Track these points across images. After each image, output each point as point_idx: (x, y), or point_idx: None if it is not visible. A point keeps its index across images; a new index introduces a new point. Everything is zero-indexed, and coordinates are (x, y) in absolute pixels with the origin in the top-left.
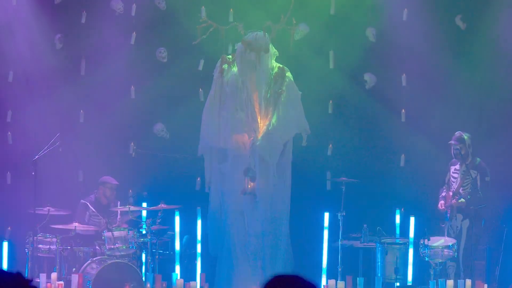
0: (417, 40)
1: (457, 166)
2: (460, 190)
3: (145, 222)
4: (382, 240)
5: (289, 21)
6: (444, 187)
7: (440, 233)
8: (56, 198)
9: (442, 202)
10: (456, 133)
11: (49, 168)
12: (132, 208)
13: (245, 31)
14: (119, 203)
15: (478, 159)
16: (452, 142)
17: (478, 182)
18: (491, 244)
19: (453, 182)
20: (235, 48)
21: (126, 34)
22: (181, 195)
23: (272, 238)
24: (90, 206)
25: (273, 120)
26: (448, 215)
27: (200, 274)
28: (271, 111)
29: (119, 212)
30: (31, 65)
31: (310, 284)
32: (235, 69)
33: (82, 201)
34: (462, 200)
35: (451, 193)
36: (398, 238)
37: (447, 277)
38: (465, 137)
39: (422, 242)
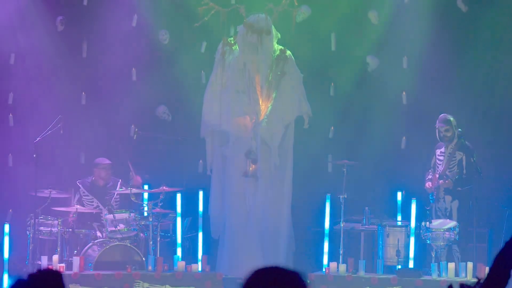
0: (418, 23)
1: (443, 149)
2: (447, 172)
3: (146, 204)
4: (384, 223)
5: (290, 3)
6: (430, 170)
7: (429, 216)
8: (58, 181)
9: (429, 183)
10: (440, 115)
11: (51, 151)
12: (134, 190)
13: (247, 13)
14: (119, 182)
15: (463, 140)
16: (440, 125)
17: (464, 163)
18: (492, 226)
19: (439, 164)
20: (237, 30)
21: (127, 16)
22: (183, 178)
23: (273, 221)
24: (81, 187)
25: (275, 102)
26: (434, 196)
27: (202, 256)
28: (272, 93)
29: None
30: (33, 47)
31: (292, 273)
32: (236, 51)
33: (77, 182)
34: (450, 180)
35: (437, 175)
36: (399, 221)
37: (438, 260)
38: (451, 119)
39: (423, 225)
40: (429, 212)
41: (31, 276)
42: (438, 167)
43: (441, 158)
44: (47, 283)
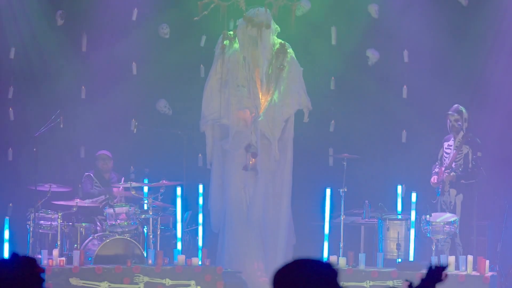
0: (419, 17)
1: (450, 142)
2: (453, 165)
3: (146, 198)
4: (384, 216)
5: None
6: (437, 163)
7: (433, 209)
8: (58, 175)
9: (435, 176)
10: (454, 105)
11: (51, 145)
12: (134, 184)
13: (247, 7)
14: (123, 179)
15: (471, 134)
16: (450, 112)
17: (470, 157)
18: (492, 220)
19: (446, 157)
20: (237, 24)
21: (127, 10)
22: (183, 172)
23: (273, 214)
24: (94, 177)
25: (275, 96)
26: (440, 190)
27: (202, 250)
28: (272, 87)
29: (121, 188)
30: (33, 42)
31: (325, 264)
32: (236, 45)
33: (86, 173)
34: (453, 173)
35: (443, 169)
36: (399, 214)
37: (442, 253)
38: (463, 110)
39: (424, 218)
40: (429, 206)
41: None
42: (444, 160)
43: (448, 151)
44: (21, 269)
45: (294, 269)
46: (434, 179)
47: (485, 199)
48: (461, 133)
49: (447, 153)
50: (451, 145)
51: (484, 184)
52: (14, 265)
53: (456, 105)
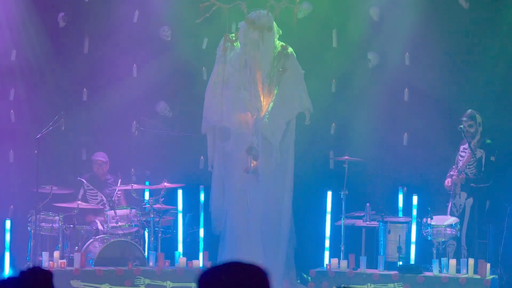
0: (420, 19)
1: (466, 145)
2: (466, 168)
3: (148, 200)
4: (385, 219)
5: (292, 0)
6: (453, 166)
7: (442, 211)
8: (59, 177)
9: (449, 179)
10: (467, 110)
11: (52, 147)
12: (135, 186)
13: (248, 10)
14: (120, 181)
15: (488, 140)
16: (464, 118)
17: (483, 161)
18: (494, 223)
19: (460, 160)
20: (238, 26)
21: (129, 12)
22: (184, 174)
23: (274, 217)
24: (85, 182)
25: (276, 99)
26: (451, 192)
27: (203, 252)
28: (274, 89)
29: (118, 190)
30: (34, 44)
31: (252, 267)
32: (238, 47)
33: (78, 178)
34: (463, 174)
35: (456, 171)
36: (401, 217)
37: (446, 256)
38: (476, 115)
39: (425, 221)
40: (430, 208)
41: (22, 273)
42: (458, 163)
43: (463, 154)
44: (37, 281)
45: (221, 272)
46: (448, 181)
47: (496, 204)
48: (477, 137)
49: (461, 156)
50: (466, 148)
51: (496, 189)
52: (31, 279)
53: (470, 110)
